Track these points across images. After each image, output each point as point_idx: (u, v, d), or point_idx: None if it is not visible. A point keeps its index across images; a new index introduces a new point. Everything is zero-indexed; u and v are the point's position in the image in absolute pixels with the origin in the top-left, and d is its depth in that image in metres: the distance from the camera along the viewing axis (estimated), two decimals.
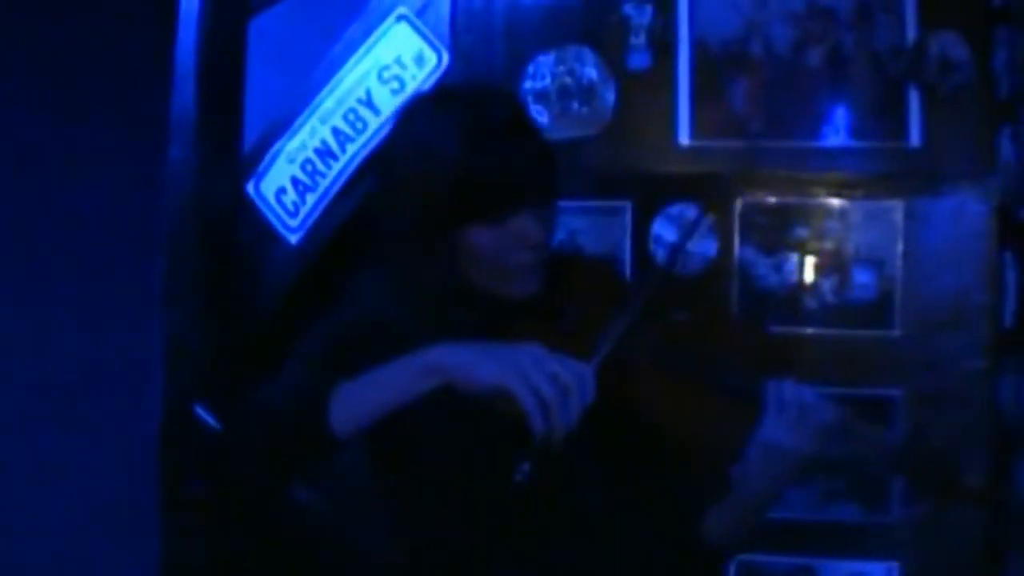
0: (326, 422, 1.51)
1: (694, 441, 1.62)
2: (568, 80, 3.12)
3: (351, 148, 3.41)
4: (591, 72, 3.08)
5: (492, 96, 1.77)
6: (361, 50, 3.42)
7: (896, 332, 2.88)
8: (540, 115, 3.08)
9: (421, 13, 3.41)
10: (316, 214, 3.40)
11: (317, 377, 1.64)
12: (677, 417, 1.61)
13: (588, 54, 3.09)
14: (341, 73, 3.42)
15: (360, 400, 1.54)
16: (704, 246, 2.88)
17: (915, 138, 2.95)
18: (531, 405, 1.40)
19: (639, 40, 3.05)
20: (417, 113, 1.75)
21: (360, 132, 3.42)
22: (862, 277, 2.90)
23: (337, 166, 3.42)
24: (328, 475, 1.75)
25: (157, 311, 1.59)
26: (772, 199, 2.91)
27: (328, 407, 1.53)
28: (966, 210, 2.89)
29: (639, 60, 3.05)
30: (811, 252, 2.91)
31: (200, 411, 2.52)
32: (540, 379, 1.41)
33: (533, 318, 1.69)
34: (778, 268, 2.90)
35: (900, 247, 2.89)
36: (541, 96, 3.10)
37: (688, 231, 1.80)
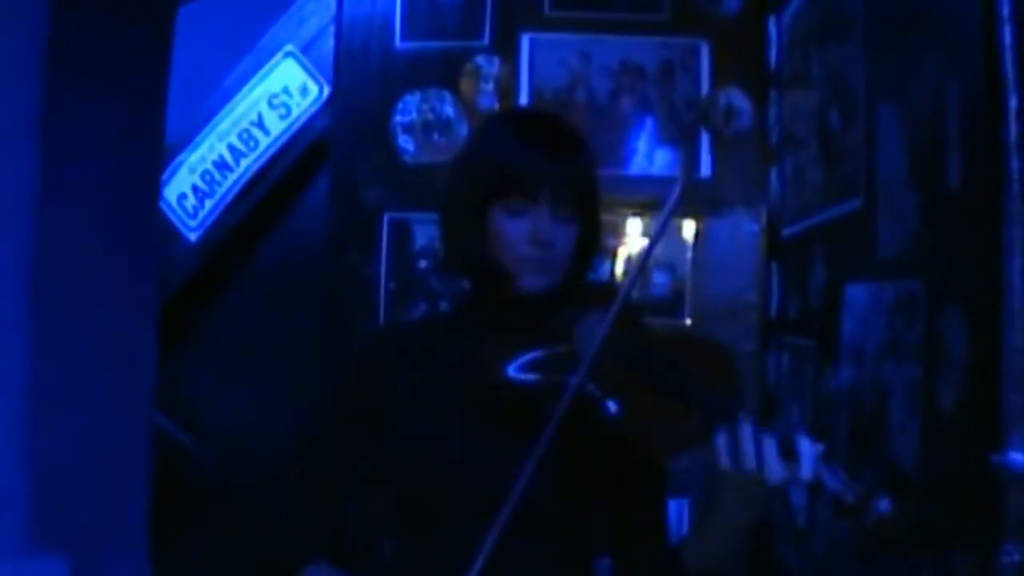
0: None
1: (672, 450, 1.55)
2: (430, 116, 3.51)
3: (244, 162, 3.84)
4: (449, 110, 3.49)
5: (542, 113, 1.88)
6: (254, 79, 3.85)
7: (686, 321, 3.37)
8: (407, 143, 3.49)
9: (306, 50, 3.85)
10: (213, 217, 3.84)
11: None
12: (657, 429, 1.54)
13: (447, 95, 3.51)
14: (236, 98, 3.84)
15: None
16: None
17: (705, 171, 3.45)
18: None
19: (488, 86, 3.48)
20: (484, 120, 1.88)
21: (252, 149, 3.84)
22: (660, 278, 3.38)
23: (232, 177, 3.85)
24: None
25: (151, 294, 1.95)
26: None
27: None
28: (742, 229, 3.41)
29: (487, 102, 3.47)
30: (620, 258, 3.37)
31: None
32: None
33: (532, 311, 1.68)
34: (595, 270, 3.34)
35: (689, 255, 3.39)
36: (408, 128, 3.51)
37: (668, 214, 1.59)
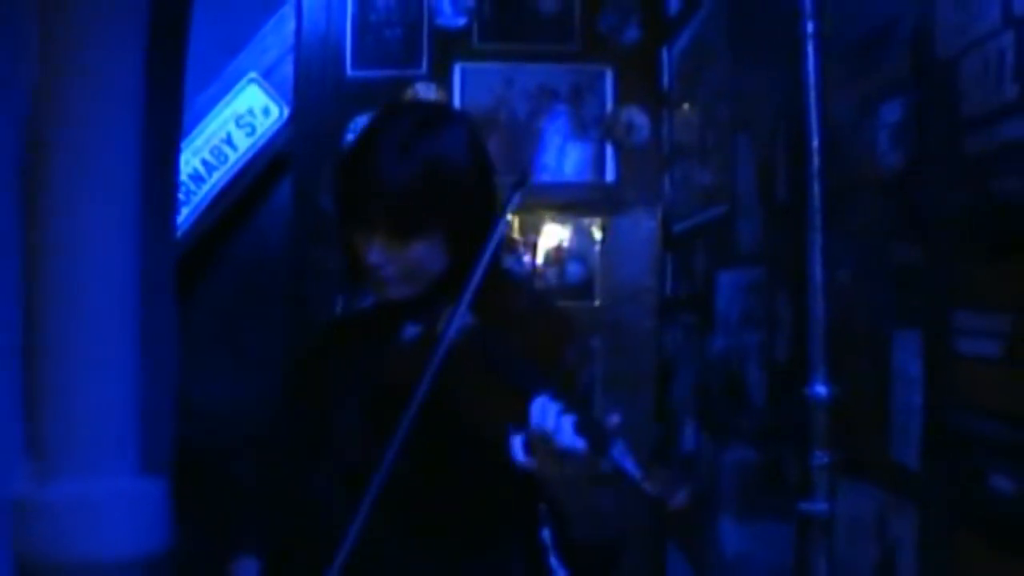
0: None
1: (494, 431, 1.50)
2: None
3: (216, 174, 4.30)
4: None
5: (390, 120, 1.71)
6: (222, 103, 4.31)
7: (596, 303, 3.93)
8: None
9: (267, 76, 4.32)
10: (189, 223, 4.27)
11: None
12: (485, 409, 1.55)
13: None
14: (207, 118, 4.30)
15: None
16: None
17: (610, 176, 4.03)
18: None
19: None
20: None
21: (223, 163, 4.30)
22: (573, 267, 3.95)
23: (205, 187, 4.30)
24: None
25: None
26: (513, 216, 3.81)
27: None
28: (641, 225, 3.99)
29: None
30: (539, 251, 3.93)
31: None
32: None
33: (405, 313, 1.69)
34: (518, 261, 3.88)
35: (598, 248, 3.96)
36: None
37: (508, 203, 1.59)
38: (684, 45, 3.73)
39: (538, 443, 1.41)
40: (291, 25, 4.25)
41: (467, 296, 1.54)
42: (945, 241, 1.64)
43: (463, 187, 1.63)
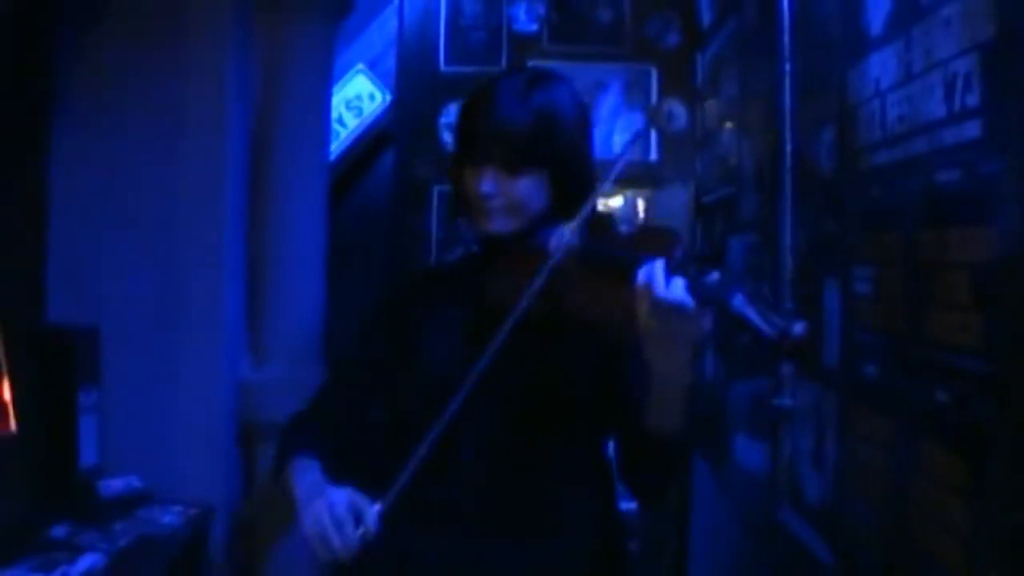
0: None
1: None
2: None
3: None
4: None
5: (511, 74, 1.86)
6: (335, 88, 4.79)
7: None
8: (449, 138, 4.62)
9: (372, 67, 5.08)
10: None
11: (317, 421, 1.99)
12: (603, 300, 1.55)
13: None
14: None
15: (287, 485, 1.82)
16: None
17: (653, 156, 4.78)
18: (313, 544, 1.62)
19: None
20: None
21: (334, 139, 4.86)
22: (622, 230, 4.62)
23: None
24: None
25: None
26: None
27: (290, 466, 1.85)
28: (677, 197, 4.70)
29: None
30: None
31: None
32: (325, 525, 1.60)
33: (505, 249, 1.76)
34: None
35: (641, 214, 4.72)
36: (450, 126, 4.66)
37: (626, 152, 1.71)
38: (713, 52, 4.50)
39: (645, 300, 1.46)
40: (393, 24, 4.94)
41: (585, 210, 1.66)
42: (851, 222, 2.50)
43: (568, 133, 1.78)
